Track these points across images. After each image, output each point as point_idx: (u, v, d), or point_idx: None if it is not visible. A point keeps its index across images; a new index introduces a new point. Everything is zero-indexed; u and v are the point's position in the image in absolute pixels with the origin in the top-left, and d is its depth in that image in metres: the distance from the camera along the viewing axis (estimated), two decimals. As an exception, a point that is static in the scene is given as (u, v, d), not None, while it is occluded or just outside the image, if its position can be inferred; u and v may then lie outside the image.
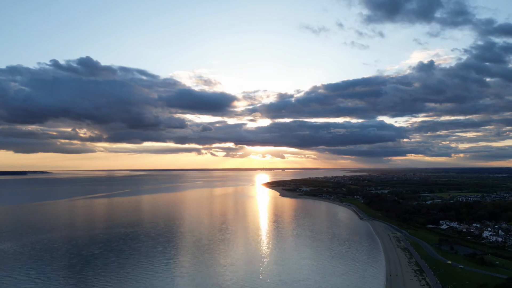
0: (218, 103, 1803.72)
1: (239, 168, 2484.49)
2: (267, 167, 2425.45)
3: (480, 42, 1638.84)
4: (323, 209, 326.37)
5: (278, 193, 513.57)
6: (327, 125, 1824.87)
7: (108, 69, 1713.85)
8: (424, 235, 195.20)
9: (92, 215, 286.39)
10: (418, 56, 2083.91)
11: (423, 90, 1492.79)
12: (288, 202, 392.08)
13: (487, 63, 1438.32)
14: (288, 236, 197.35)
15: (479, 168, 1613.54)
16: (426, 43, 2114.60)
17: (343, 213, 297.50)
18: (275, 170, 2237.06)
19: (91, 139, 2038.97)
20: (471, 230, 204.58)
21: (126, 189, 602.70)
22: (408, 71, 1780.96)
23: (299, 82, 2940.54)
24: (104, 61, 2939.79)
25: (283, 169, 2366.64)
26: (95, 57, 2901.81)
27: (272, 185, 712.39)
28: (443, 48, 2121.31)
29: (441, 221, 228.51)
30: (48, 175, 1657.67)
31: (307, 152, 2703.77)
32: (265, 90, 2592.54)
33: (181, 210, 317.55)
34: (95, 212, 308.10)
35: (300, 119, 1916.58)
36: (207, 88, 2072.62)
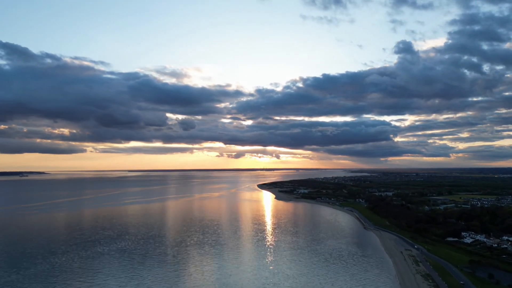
0: (196, 98, 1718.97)
1: (235, 169, 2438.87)
2: (266, 167, 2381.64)
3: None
4: (321, 215, 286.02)
5: (274, 196, 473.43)
6: (314, 124, 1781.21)
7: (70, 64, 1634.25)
8: (447, 253, 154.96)
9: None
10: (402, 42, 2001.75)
11: (409, 80, 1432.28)
12: (282, 207, 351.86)
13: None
14: (271, 253, 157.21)
15: (481, 168, 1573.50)
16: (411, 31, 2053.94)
17: (344, 221, 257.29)
18: (274, 171, 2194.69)
19: (71, 138, 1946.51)
20: (504, 246, 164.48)
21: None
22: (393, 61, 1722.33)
23: (278, 76, 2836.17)
24: (67, 53, 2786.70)
25: (282, 170, 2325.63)
26: (57, 50, 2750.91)
27: (269, 186, 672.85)
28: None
29: (463, 233, 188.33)
30: (46, 176, 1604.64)
31: (304, 152, 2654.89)
32: (242, 86, 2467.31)
33: (156, 215, 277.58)
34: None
35: (285, 117, 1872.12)
36: (187, 81, 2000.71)
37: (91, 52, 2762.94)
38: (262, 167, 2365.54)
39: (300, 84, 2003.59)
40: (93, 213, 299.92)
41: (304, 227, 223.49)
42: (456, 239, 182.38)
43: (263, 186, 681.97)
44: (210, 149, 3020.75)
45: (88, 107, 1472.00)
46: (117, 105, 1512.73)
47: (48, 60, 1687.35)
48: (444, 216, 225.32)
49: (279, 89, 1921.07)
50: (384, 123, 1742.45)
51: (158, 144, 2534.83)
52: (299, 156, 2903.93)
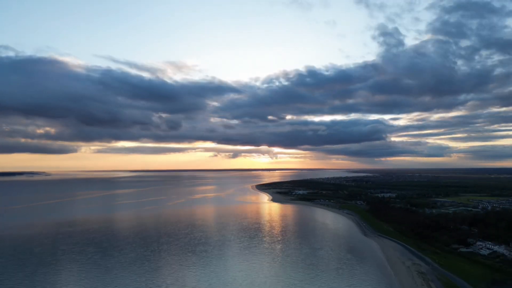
0: (176, 94, 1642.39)
1: (234, 169, 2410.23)
2: (265, 168, 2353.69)
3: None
4: (317, 219, 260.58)
5: (270, 197, 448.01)
6: (305, 123, 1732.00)
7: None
8: (462, 269, 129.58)
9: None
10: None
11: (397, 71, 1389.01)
12: (277, 209, 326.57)
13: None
14: (257, 267, 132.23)
15: (482, 168, 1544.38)
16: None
17: (342, 225, 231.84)
18: (273, 171, 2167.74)
19: (55, 137, 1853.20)
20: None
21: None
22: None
23: (258, 69, 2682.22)
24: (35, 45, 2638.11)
25: (281, 170, 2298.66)
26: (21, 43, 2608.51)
27: (266, 187, 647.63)
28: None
29: (478, 243, 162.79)
30: (49, 177, 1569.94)
31: (302, 152, 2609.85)
32: (224, 82, 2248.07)
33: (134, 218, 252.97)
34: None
35: (273, 117, 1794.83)
36: (164, 76, 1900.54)
37: (61, 44, 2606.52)
38: (261, 168, 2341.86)
39: (284, 80, 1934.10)
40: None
41: (298, 234, 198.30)
42: (470, 249, 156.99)
43: (260, 187, 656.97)
44: (206, 149, 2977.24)
45: (64, 104, 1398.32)
46: (95, 102, 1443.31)
47: (11, 53, 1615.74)
48: (454, 221, 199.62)
49: (259, 83, 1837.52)
50: (376, 121, 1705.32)
51: (151, 144, 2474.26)
52: (297, 156, 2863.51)
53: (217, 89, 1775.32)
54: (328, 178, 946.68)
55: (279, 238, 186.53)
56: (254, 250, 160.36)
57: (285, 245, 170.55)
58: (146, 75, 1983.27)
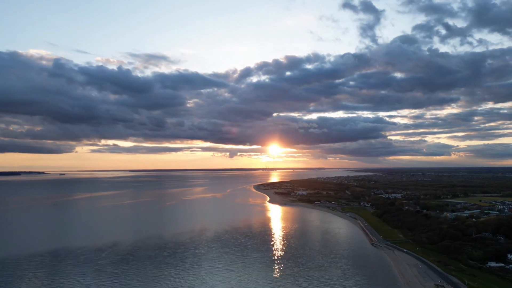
0: (149, 87, 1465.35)
1: (231, 169, 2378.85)
2: (267, 167, 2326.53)
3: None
4: (317, 225, 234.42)
5: (268, 198, 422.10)
6: (295, 119, 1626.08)
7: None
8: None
9: None
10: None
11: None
12: (273, 213, 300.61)
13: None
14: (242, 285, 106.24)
15: (487, 167, 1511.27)
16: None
17: (346, 233, 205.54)
18: (274, 170, 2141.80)
19: (36, 136, 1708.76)
20: None
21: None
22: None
23: (235, 59, 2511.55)
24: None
25: (282, 169, 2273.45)
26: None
27: (265, 187, 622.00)
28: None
29: (509, 255, 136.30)
30: (46, 176, 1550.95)
31: (302, 152, 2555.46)
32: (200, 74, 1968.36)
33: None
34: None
35: (260, 115, 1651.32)
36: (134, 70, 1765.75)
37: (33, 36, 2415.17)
38: (263, 167, 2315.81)
39: (262, 75, 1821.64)
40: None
41: (293, 244, 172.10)
42: (502, 264, 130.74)
43: (259, 187, 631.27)
44: (203, 148, 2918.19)
45: (35, 98, 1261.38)
46: (64, 97, 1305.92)
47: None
48: (476, 228, 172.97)
49: (237, 76, 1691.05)
50: (367, 119, 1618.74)
51: (148, 144, 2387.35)
52: (294, 155, 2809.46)
53: (193, 82, 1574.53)
54: (329, 177, 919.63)
55: (277, 249, 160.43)
56: (248, 266, 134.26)
57: (283, 259, 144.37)
58: (113, 67, 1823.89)
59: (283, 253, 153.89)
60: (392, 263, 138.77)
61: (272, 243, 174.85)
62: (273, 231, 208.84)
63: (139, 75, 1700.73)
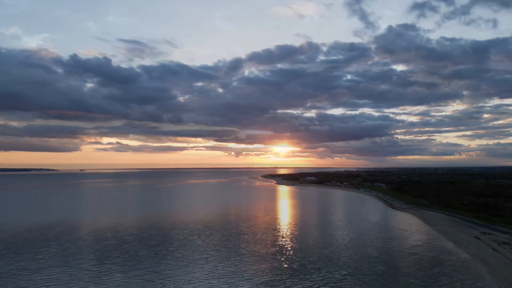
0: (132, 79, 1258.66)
1: (237, 167, 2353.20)
2: (276, 166, 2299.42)
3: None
4: (330, 196, 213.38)
5: (275, 182, 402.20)
6: (290, 116, 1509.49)
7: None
8: None
9: None
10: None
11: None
12: (282, 190, 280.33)
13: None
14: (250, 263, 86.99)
15: (501, 167, 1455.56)
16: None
17: (361, 201, 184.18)
18: (283, 169, 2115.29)
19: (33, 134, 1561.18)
20: None
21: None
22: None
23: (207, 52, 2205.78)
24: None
25: (291, 168, 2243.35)
26: None
27: (272, 176, 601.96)
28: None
29: None
30: (54, 172, 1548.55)
31: (308, 151, 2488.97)
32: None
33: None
34: None
35: (253, 113, 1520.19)
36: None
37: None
38: (270, 166, 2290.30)
39: (255, 64, 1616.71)
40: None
41: (306, 212, 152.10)
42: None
43: (266, 176, 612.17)
44: (207, 147, 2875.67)
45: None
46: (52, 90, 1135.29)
47: None
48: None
49: (227, 68, 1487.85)
50: (362, 115, 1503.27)
51: (154, 144, 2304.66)
52: (300, 154, 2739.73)
53: (182, 74, 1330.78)
54: (338, 171, 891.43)
55: (288, 221, 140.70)
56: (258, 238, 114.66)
57: (290, 227, 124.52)
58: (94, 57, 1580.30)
59: (294, 222, 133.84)
60: (421, 220, 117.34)
61: (286, 215, 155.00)
62: (286, 205, 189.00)
63: (124, 66, 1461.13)
